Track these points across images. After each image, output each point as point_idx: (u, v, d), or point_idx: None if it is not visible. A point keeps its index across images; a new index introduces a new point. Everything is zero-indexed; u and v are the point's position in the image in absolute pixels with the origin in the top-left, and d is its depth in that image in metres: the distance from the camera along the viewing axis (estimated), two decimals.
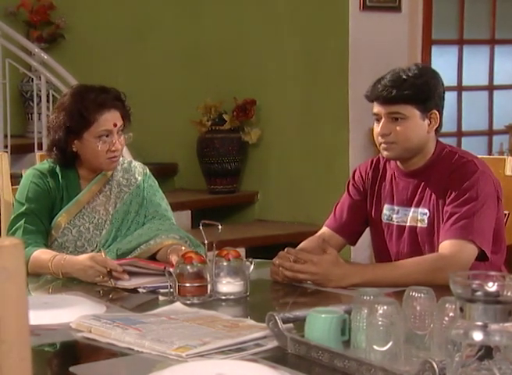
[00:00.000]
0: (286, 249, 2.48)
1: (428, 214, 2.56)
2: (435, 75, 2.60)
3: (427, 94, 2.54)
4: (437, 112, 2.56)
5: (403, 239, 2.62)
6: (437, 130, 2.60)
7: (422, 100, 2.53)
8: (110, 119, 2.70)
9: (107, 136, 2.70)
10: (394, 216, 2.64)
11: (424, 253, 2.55)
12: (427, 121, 2.55)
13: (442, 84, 2.61)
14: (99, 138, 2.69)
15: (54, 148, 2.74)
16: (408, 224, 2.60)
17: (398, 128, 2.52)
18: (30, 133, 5.98)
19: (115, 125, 2.71)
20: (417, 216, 2.58)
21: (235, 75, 5.84)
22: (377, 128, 2.57)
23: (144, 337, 1.85)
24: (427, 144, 2.58)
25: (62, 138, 2.71)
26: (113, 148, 2.71)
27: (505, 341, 1.36)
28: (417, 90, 2.52)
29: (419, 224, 2.58)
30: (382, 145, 2.57)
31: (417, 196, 2.59)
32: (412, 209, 2.60)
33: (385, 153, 2.59)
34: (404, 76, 2.53)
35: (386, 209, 2.66)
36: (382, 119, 2.54)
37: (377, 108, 2.56)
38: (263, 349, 1.82)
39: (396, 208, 2.64)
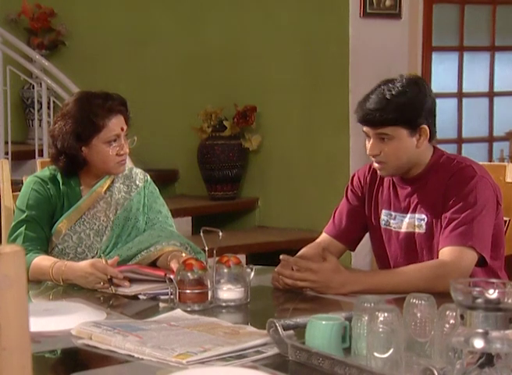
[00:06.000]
0: (281, 256, 2.47)
1: (425, 219, 2.55)
2: (421, 88, 2.54)
3: (412, 113, 2.49)
4: (426, 127, 2.51)
5: (401, 244, 2.61)
6: (431, 139, 2.56)
7: (408, 120, 2.49)
8: (118, 123, 2.73)
9: (115, 140, 2.72)
10: (392, 221, 2.64)
11: (422, 259, 2.55)
12: (416, 137, 2.51)
13: (430, 95, 2.55)
14: (108, 143, 2.71)
15: (62, 156, 2.74)
16: (405, 230, 2.60)
17: (386, 148, 2.51)
18: (30, 139, 5.98)
19: (122, 129, 2.74)
20: (415, 221, 2.58)
21: (235, 81, 5.84)
22: (368, 145, 2.56)
23: (144, 344, 1.85)
24: (419, 156, 2.55)
25: (71, 145, 2.71)
26: (122, 152, 2.74)
27: (506, 349, 1.36)
28: (402, 111, 2.47)
29: (417, 230, 2.58)
30: (375, 164, 2.58)
31: (414, 202, 2.58)
32: (409, 215, 2.59)
33: (378, 172, 2.61)
34: (388, 96, 2.48)
35: (384, 215, 2.66)
36: (371, 139, 2.53)
37: (365, 128, 2.55)
38: (264, 356, 1.82)
39: (393, 214, 2.64)
